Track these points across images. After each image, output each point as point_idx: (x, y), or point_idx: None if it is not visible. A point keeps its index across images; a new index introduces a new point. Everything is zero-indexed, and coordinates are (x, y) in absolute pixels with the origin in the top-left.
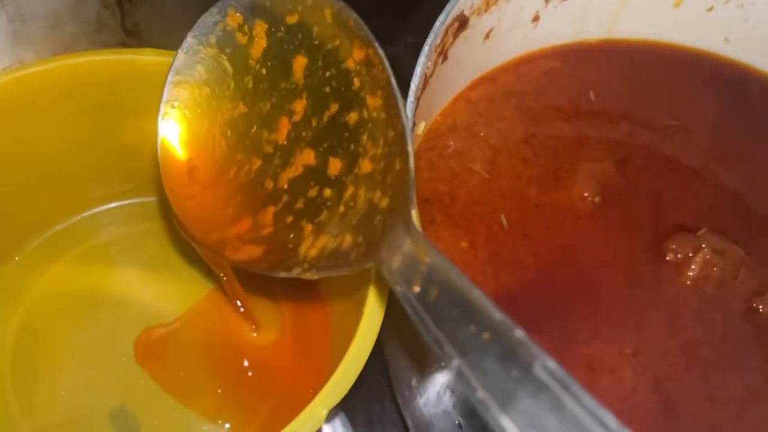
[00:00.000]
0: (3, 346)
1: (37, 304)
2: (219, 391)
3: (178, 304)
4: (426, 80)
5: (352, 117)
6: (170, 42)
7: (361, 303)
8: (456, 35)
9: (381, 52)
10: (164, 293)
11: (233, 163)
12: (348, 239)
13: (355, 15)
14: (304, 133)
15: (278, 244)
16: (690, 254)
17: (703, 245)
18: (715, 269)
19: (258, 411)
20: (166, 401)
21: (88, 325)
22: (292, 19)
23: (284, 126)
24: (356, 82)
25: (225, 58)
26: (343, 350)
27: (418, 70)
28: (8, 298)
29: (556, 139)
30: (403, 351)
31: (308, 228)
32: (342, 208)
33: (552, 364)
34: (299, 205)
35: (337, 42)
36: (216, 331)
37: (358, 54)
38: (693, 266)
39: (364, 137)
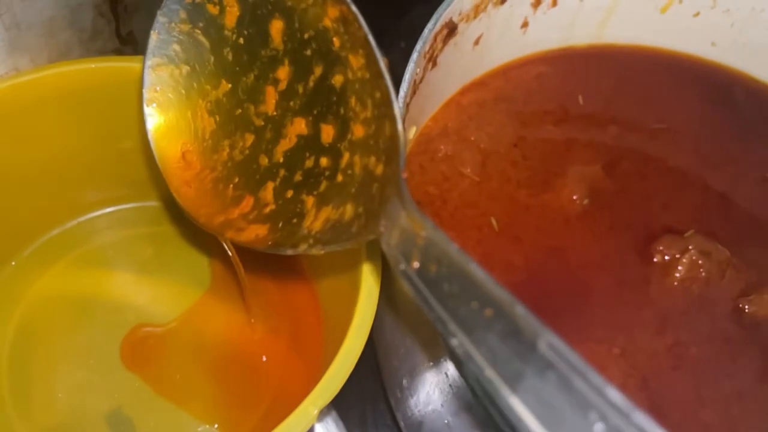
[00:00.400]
0: (0, 349)
1: (33, 308)
2: (212, 392)
3: (174, 307)
4: (416, 86)
5: (338, 79)
6: None
7: (354, 303)
8: (445, 42)
9: (355, 8)
10: (160, 296)
11: (225, 142)
12: (349, 210)
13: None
14: (292, 102)
15: (282, 220)
16: (677, 255)
17: (690, 246)
18: (701, 270)
19: (252, 411)
20: (162, 403)
21: (85, 329)
22: None
23: (271, 96)
24: (336, 41)
25: (199, 32)
26: (336, 350)
27: (407, 77)
28: (5, 302)
29: (545, 143)
30: (394, 352)
31: (310, 201)
32: (340, 177)
33: (556, 340)
34: (298, 177)
35: (310, 1)
36: (208, 333)
37: (333, 12)
38: (680, 267)
39: (353, 100)
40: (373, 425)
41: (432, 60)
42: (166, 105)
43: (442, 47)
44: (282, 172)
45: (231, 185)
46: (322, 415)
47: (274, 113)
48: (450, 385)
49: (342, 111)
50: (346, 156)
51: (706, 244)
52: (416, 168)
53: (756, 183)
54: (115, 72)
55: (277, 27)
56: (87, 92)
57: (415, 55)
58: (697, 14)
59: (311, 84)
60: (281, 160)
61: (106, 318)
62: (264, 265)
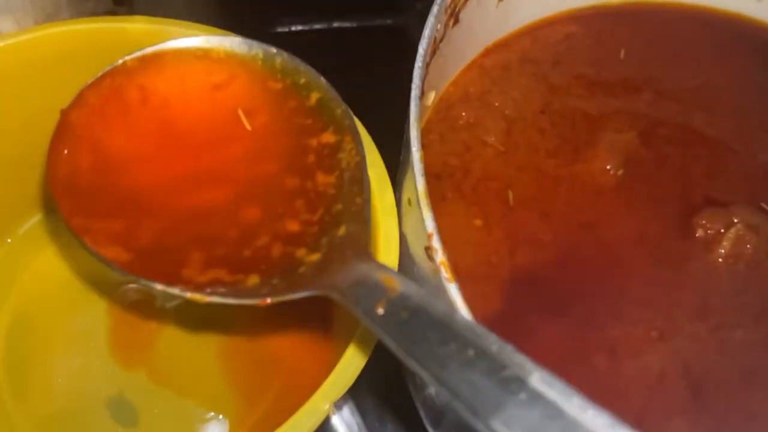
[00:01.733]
0: None
1: (30, 288)
2: (218, 380)
3: None
4: (436, 45)
5: (291, 182)
6: (161, 9)
7: None
8: None
9: (359, 139)
10: None
11: (142, 164)
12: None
13: (343, 106)
14: (231, 170)
15: (156, 259)
16: (721, 230)
17: (735, 220)
18: (748, 246)
19: (260, 400)
20: (165, 389)
21: (84, 311)
22: (275, 85)
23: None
24: (311, 157)
25: None
26: (348, 336)
27: (427, 33)
28: (0, 282)
29: (575, 109)
30: None
31: (196, 257)
32: (248, 252)
33: (548, 375)
34: (190, 230)
35: (309, 121)
36: (213, 317)
37: (328, 137)
38: (724, 243)
39: (299, 202)
40: (390, 411)
41: (454, 15)
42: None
43: (465, 2)
44: (182, 222)
45: (116, 200)
46: (338, 405)
47: (204, 170)
48: None
49: (280, 207)
50: (265, 238)
51: (753, 217)
52: (435, 137)
53: None
54: (107, 34)
55: (260, 119)
56: (77, 57)
57: (435, 9)
58: None
59: (260, 172)
60: (186, 209)
61: (106, 299)
62: None
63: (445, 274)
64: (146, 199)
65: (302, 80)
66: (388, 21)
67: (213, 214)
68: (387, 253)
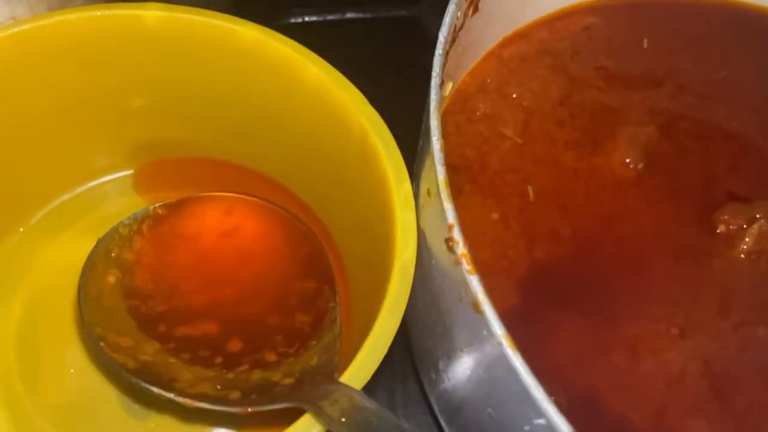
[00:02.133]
0: (7, 322)
1: (42, 277)
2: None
3: None
4: (455, 33)
5: (273, 320)
6: None
7: (385, 279)
8: None
9: (336, 287)
10: None
11: (151, 298)
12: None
13: (329, 261)
14: (223, 309)
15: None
16: (744, 225)
17: (758, 215)
18: None
19: None
20: None
21: None
22: (274, 240)
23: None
24: (293, 299)
25: None
26: (364, 329)
27: (447, 19)
28: (12, 272)
29: (594, 101)
30: (429, 331)
31: (186, 375)
32: (231, 375)
33: None
34: (183, 355)
35: (295, 269)
36: None
37: (310, 284)
38: (747, 238)
39: (278, 337)
40: (402, 404)
41: (474, 4)
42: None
43: None
44: (173, 344)
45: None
46: None
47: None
48: (497, 374)
49: (260, 340)
50: (246, 367)
51: None
52: (452, 128)
53: None
54: (123, 21)
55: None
56: (92, 44)
57: None
58: None
59: (244, 308)
60: (176, 335)
61: None
62: None
63: (467, 266)
64: (150, 326)
65: (300, 233)
66: (402, 12)
67: (203, 344)
68: (404, 247)
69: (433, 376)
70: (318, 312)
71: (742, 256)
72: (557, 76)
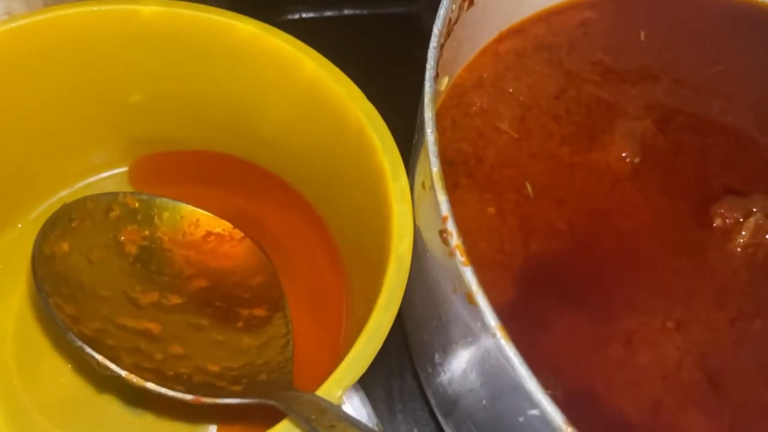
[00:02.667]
0: (5, 318)
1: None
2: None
3: None
4: (450, 26)
5: (218, 337)
6: None
7: (382, 272)
8: None
9: (289, 316)
10: None
11: (101, 278)
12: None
13: (282, 291)
14: (167, 315)
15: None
16: (740, 219)
17: (755, 209)
18: (767, 236)
19: None
20: None
21: None
22: (226, 263)
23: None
24: (240, 324)
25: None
26: (360, 321)
27: (442, 12)
28: (10, 267)
29: (590, 96)
30: (425, 324)
31: (126, 359)
32: (171, 373)
33: None
34: (122, 342)
35: (246, 296)
36: None
37: (260, 312)
38: (743, 232)
39: (222, 353)
40: (399, 399)
41: None
42: None
43: None
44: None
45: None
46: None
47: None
48: (492, 365)
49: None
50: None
51: None
52: (448, 123)
53: None
54: (120, 16)
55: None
56: (88, 39)
57: None
58: None
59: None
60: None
61: None
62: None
63: (461, 257)
64: (94, 306)
65: (258, 261)
66: (400, 8)
67: (144, 338)
68: (400, 239)
69: (430, 370)
70: (267, 338)
71: (739, 249)
72: (553, 70)
